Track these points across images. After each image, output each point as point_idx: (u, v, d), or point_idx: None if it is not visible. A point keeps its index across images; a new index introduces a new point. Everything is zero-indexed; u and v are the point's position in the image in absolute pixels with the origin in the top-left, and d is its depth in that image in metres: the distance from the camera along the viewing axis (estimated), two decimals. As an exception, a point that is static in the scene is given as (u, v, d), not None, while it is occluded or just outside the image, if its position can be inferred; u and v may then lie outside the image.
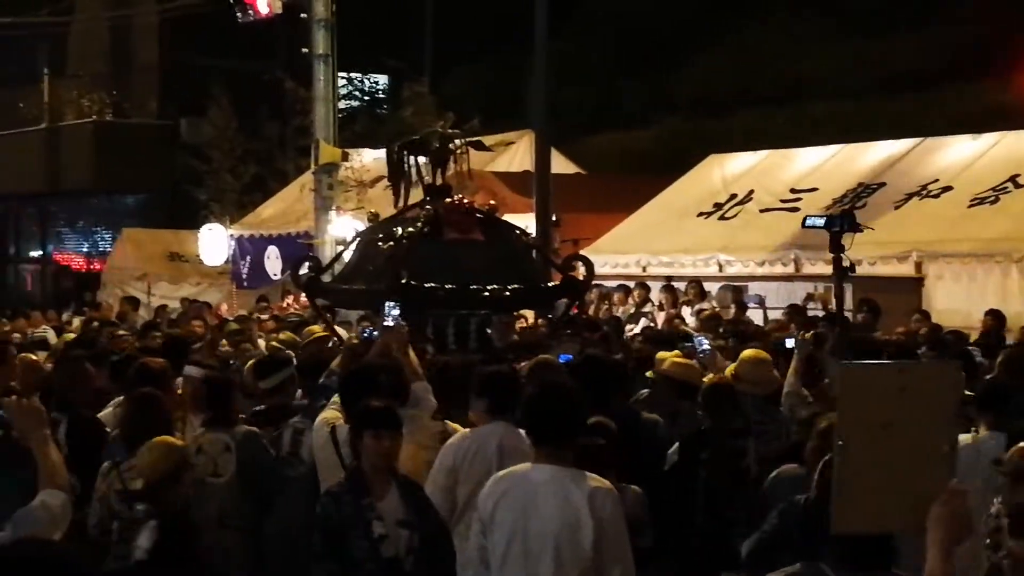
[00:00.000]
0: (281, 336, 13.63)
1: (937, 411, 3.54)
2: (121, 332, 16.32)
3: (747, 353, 9.45)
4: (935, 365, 5.33)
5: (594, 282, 14.09)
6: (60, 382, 8.78)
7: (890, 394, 3.53)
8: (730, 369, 9.25)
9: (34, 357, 10.92)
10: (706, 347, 9.82)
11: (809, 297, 17.26)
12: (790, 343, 9.81)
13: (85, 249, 41.85)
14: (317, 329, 12.56)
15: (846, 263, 8.40)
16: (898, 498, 3.52)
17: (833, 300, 15.72)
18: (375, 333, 9.11)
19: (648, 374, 9.83)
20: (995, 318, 14.69)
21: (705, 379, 8.78)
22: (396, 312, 8.09)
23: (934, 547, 3.40)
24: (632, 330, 15.89)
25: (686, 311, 17.90)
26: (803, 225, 8.54)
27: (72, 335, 15.74)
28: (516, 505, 5.76)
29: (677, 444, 8.23)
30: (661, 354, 9.89)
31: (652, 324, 17.13)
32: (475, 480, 6.82)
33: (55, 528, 5.06)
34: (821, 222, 8.42)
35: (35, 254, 44.07)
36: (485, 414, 7.13)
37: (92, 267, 36.31)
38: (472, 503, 6.64)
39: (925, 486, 3.47)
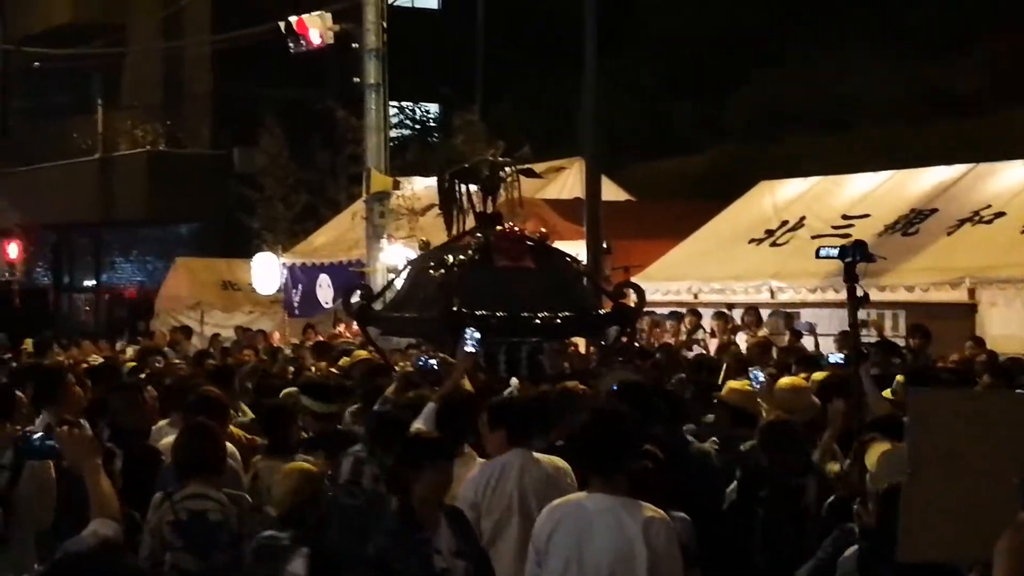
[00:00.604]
0: (341, 363, 13.70)
1: (1008, 441, 3.49)
2: (175, 361, 16.48)
3: (784, 381, 9.42)
4: (1007, 395, 5.26)
5: (645, 309, 14.07)
6: (115, 409, 8.80)
7: (960, 423, 3.49)
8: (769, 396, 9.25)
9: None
10: (761, 379, 9.76)
11: (862, 323, 17.11)
12: (834, 358, 9.75)
13: (139, 278, 42.16)
14: (363, 353, 12.61)
15: (860, 292, 8.44)
16: (966, 528, 3.47)
17: (886, 326, 15.78)
18: (431, 362, 9.13)
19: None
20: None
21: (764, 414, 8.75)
22: (477, 336, 8.18)
23: None
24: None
25: (741, 337, 17.84)
26: (816, 256, 8.57)
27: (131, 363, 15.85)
28: (571, 534, 5.73)
29: (736, 483, 8.17)
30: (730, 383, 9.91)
31: (704, 352, 17.09)
32: (498, 512, 6.82)
33: None
34: (835, 252, 8.46)
35: (89, 283, 44.44)
36: (504, 444, 7.13)
37: (146, 296, 36.53)
38: (498, 535, 6.65)
39: (993, 517, 3.41)
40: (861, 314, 17.48)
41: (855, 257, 8.31)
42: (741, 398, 9.29)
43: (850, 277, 8.29)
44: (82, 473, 5.37)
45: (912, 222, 19.41)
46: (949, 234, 18.66)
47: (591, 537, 5.69)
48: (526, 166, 14.29)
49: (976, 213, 18.77)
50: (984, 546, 3.39)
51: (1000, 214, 18.48)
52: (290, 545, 6.19)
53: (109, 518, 5.24)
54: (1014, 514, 3.40)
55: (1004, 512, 3.41)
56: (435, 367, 9.48)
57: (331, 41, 22.36)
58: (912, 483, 3.55)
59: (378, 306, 13.09)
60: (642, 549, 5.65)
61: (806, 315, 18.82)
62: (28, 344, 19.84)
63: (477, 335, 7.10)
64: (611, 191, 23.97)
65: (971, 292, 17.35)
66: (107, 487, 5.39)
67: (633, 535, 5.66)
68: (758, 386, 9.68)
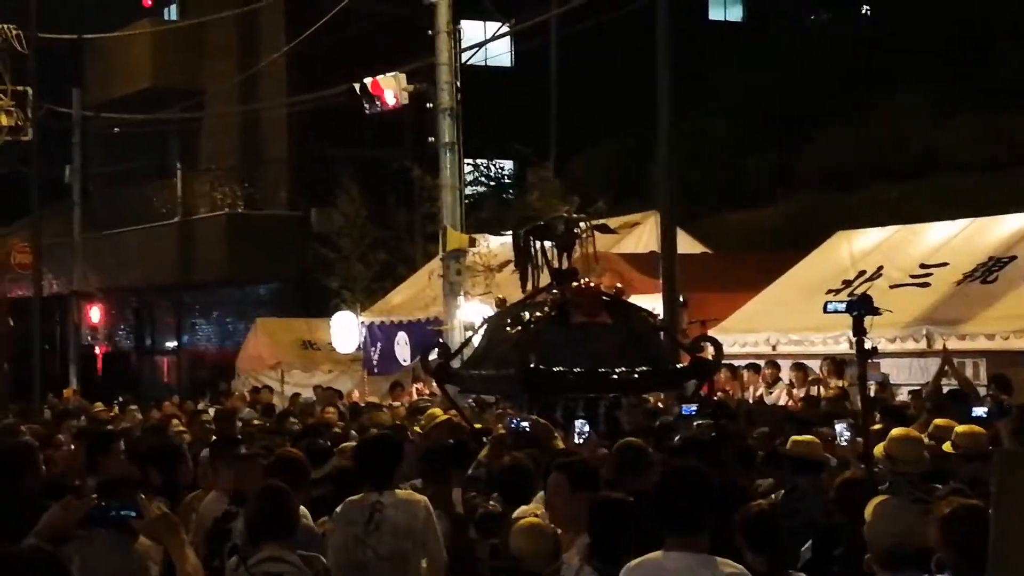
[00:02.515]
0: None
1: None
2: (256, 421, 16.61)
3: (897, 432, 9.39)
4: None
5: (723, 362, 14.07)
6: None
7: None
8: (879, 449, 9.18)
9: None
10: (847, 435, 9.72)
11: (944, 373, 16.96)
12: (978, 411, 9.72)
13: (219, 339, 42.56)
14: (438, 412, 12.68)
15: (868, 345, 8.62)
16: None
17: (966, 375, 15.66)
18: (523, 424, 9.14)
19: None
20: None
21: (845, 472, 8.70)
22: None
23: None
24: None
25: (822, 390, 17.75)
26: (824, 311, 8.78)
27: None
28: None
29: (810, 541, 8.14)
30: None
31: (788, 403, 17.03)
32: None
33: None
34: (843, 307, 8.67)
35: (170, 345, 44.90)
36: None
37: (226, 357, 36.88)
38: None
39: None
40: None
41: (861, 311, 8.52)
42: (802, 448, 9.39)
43: (858, 330, 8.46)
44: (165, 547, 5.45)
45: (991, 270, 19.26)
46: (1029, 281, 18.51)
47: None
48: (601, 221, 14.33)
49: (1056, 259, 18.63)
50: None
51: (1079, 260, 18.35)
52: None
53: None
54: None
55: None
56: (527, 429, 9.49)
57: (405, 101, 22.60)
58: (999, 543, 3.52)
59: (456, 364, 13.16)
60: None
61: (884, 366, 18.72)
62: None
63: (587, 427, 6.73)
64: (686, 243, 23.97)
65: (1053, 339, 17.19)
66: (194, 560, 5.48)
67: None
68: (845, 443, 9.64)
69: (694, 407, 10.46)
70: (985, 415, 9.12)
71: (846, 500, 8.09)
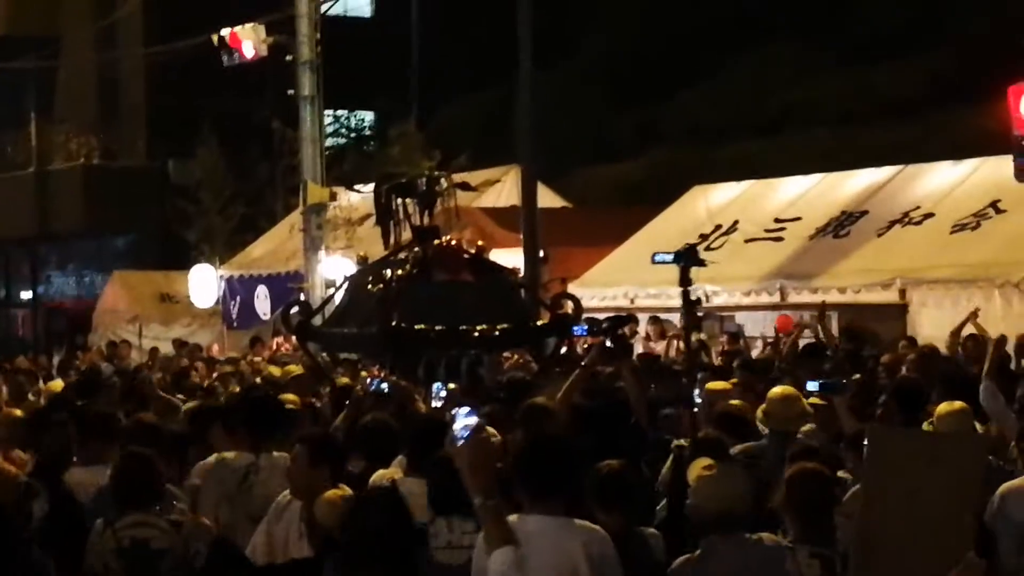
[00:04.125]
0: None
1: (959, 481, 3.57)
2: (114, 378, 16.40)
3: (776, 391, 9.47)
4: (961, 437, 5.38)
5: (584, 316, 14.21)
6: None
7: (917, 462, 3.57)
8: (760, 409, 9.32)
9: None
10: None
11: (799, 326, 17.29)
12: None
13: (76, 292, 41.94)
14: (297, 368, 12.70)
15: (694, 297, 8.88)
16: (917, 564, 3.55)
17: (820, 328, 15.99)
18: (383, 385, 9.16)
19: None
20: (976, 344, 14.82)
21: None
22: (471, 420, 5.70)
23: None
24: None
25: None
26: (652, 261, 9.02)
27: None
28: (508, 557, 5.65)
29: (665, 500, 8.21)
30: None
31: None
32: None
33: None
34: (670, 258, 8.88)
35: (26, 297, 44.14)
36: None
37: (83, 310, 36.36)
38: None
39: (944, 554, 3.50)
40: (795, 316, 17.89)
41: (688, 262, 8.73)
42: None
43: (684, 281, 8.67)
44: None
45: (843, 224, 19.71)
46: (879, 236, 18.96)
47: (531, 559, 5.62)
48: (462, 180, 14.38)
49: (906, 215, 19.08)
50: None
51: (929, 215, 18.80)
52: None
53: None
54: (964, 552, 3.52)
55: (955, 550, 3.52)
56: (385, 390, 9.52)
57: (264, 54, 22.40)
58: (866, 516, 3.64)
59: (317, 321, 13.17)
60: (584, 565, 5.67)
61: (739, 318, 19.10)
62: None
63: (467, 424, 5.59)
64: (548, 198, 24.11)
65: (902, 293, 17.65)
66: None
67: (575, 553, 5.69)
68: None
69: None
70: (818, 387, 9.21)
71: (701, 452, 8.21)
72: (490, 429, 7.15)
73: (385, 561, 4.70)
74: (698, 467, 6.45)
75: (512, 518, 5.82)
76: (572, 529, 5.79)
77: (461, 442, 5.33)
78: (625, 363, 9.94)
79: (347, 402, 9.68)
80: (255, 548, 7.08)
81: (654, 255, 9.02)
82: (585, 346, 12.43)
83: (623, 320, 10.95)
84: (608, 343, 9.77)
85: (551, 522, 5.77)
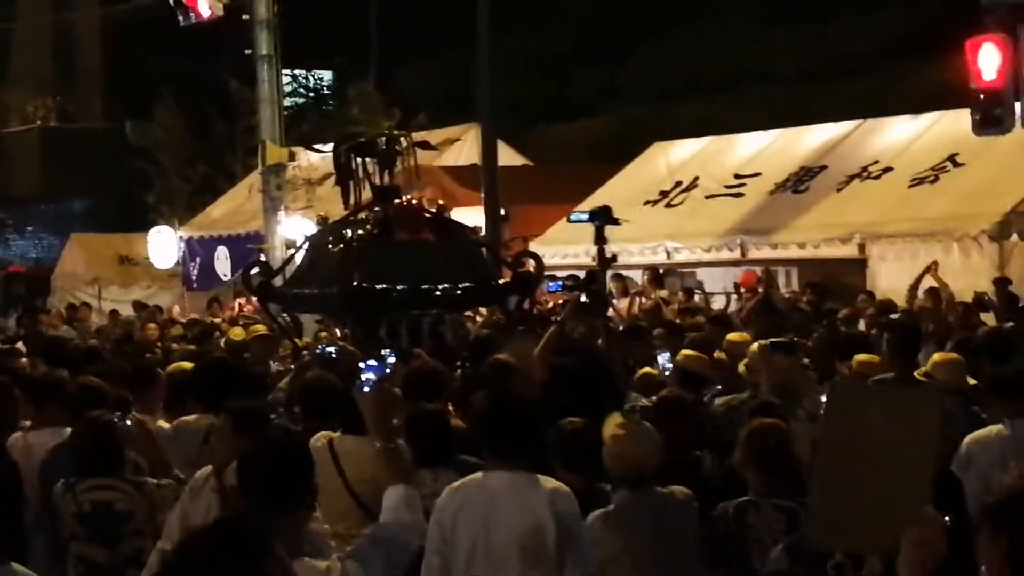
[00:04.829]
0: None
1: (919, 437, 3.61)
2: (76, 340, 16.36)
3: (753, 347, 9.47)
4: (921, 392, 5.42)
5: (545, 274, 14.22)
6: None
7: (876, 417, 3.60)
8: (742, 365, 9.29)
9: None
10: (668, 367, 9.74)
11: (759, 280, 17.33)
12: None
13: (34, 255, 41.71)
14: (262, 328, 12.65)
15: (608, 254, 8.98)
16: (876, 519, 3.59)
17: (780, 283, 16.09)
18: (330, 350, 9.12)
19: None
20: (934, 297, 14.93)
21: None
22: (373, 377, 6.10)
23: (906, 568, 3.50)
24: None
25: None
26: (568, 220, 9.16)
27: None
28: (475, 514, 5.79)
29: None
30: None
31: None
32: None
33: None
34: (585, 217, 9.04)
35: (-17, 260, 43.88)
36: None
37: (42, 273, 36.16)
38: None
39: (903, 509, 3.54)
40: (757, 270, 17.96)
41: (603, 221, 8.83)
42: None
43: (600, 239, 8.74)
44: None
45: (802, 180, 19.78)
46: (838, 191, 19.04)
47: (496, 515, 5.75)
48: (421, 139, 14.32)
49: (864, 169, 19.17)
50: (892, 538, 3.55)
51: (888, 169, 18.89)
52: None
53: None
54: (922, 508, 3.56)
55: (913, 506, 3.56)
56: (334, 356, 9.48)
57: (221, 13, 22.18)
58: (825, 473, 3.67)
59: (278, 282, 13.13)
60: (550, 522, 5.73)
61: (700, 275, 19.17)
62: None
63: (373, 376, 5.96)
64: (509, 156, 24.11)
65: (861, 247, 17.73)
66: None
67: (539, 508, 5.75)
68: (667, 373, 9.64)
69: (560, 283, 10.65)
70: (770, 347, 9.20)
71: (663, 412, 8.25)
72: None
73: (280, 503, 4.69)
74: (612, 424, 6.47)
75: (476, 476, 5.89)
76: (537, 486, 5.83)
77: (366, 390, 5.57)
78: (600, 319, 9.90)
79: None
80: (170, 532, 6.34)
81: (569, 215, 9.15)
82: (559, 302, 12.41)
83: (598, 275, 10.96)
84: (583, 299, 9.76)
85: (516, 478, 5.83)
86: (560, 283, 11.34)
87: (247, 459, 4.93)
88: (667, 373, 9.49)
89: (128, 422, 6.78)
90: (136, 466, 7.08)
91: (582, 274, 11.36)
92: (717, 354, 9.99)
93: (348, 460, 6.96)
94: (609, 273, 19.53)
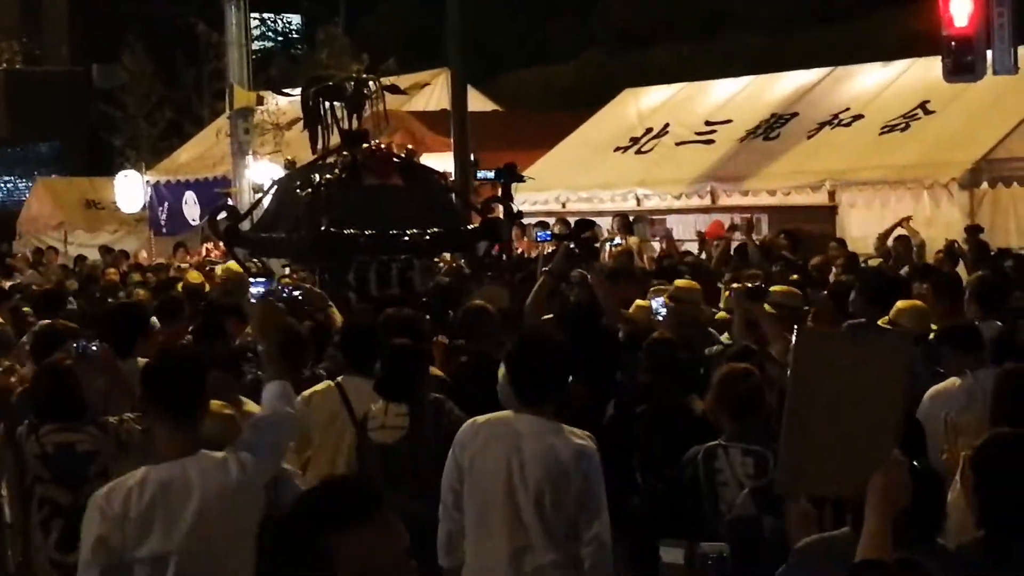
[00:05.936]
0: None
1: (887, 382, 3.60)
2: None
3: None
4: (889, 338, 5.41)
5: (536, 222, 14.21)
6: None
7: (844, 364, 3.59)
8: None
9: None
10: (662, 312, 9.66)
11: (733, 227, 17.22)
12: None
13: (0, 198, 41.40)
14: (233, 266, 12.54)
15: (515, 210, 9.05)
16: (843, 464, 3.58)
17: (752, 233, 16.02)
18: (295, 292, 9.08)
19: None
20: (905, 245, 14.93)
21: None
22: (261, 291, 7.60)
23: (873, 512, 3.50)
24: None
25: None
26: (474, 178, 9.21)
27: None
28: (499, 453, 5.71)
29: (613, 399, 8.20)
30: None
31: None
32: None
33: None
34: (491, 175, 9.10)
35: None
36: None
37: (7, 217, 35.90)
38: None
39: (870, 454, 3.53)
40: (725, 219, 17.94)
41: (509, 178, 8.89)
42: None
43: (506, 195, 8.78)
44: None
45: (773, 127, 19.73)
46: (809, 138, 19.00)
47: (521, 457, 5.68)
48: (391, 83, 14.20)
49: (835, 116, 19.13)
50: (860, 483, 3.53)
51: (859, 116, 18.85)
52: None
53: None
54: (889, 452, 3.55)
55: (880, 451, 3.55)
56: (298, 296, 9.42)
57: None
58: (792, 419, 3.66)
59: (246, 226, 13.04)
60: (577, 477, 5.65)
61: (671, 221, 19.13)
62: None
63: (261, 289, 7.04)
64: (478, 102, 23.97)
65: (831, 195, 17.72)
66: None
67: (565, 458, 5.66)
68: (659, 317, 9.56)
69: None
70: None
71: (652, 359, 8.14)
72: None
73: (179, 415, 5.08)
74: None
75: (507, 414, 5.85)
76: (565, 437, 5.74)
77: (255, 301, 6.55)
78: (592, 266, 9.81)
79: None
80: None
81: (476, 172, 9.21)
82: (547, 251, 12.30)
83: (588, 224, 10.91)
84: (573, 247, 9.70)
85: (543, 424, 5.75)
86: (549, 232, 11.28)
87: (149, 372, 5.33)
88: (659, 318, 9.41)
89: (94, 347, 6.67)
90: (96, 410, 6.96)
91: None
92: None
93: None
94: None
